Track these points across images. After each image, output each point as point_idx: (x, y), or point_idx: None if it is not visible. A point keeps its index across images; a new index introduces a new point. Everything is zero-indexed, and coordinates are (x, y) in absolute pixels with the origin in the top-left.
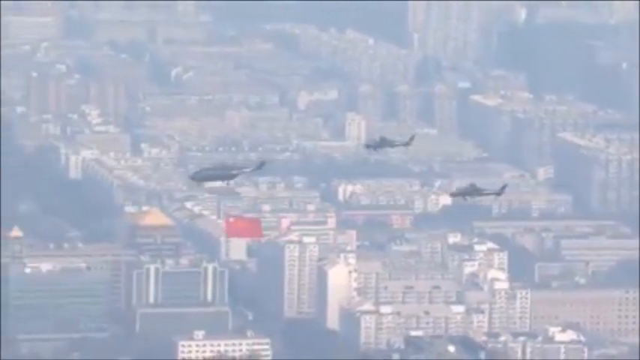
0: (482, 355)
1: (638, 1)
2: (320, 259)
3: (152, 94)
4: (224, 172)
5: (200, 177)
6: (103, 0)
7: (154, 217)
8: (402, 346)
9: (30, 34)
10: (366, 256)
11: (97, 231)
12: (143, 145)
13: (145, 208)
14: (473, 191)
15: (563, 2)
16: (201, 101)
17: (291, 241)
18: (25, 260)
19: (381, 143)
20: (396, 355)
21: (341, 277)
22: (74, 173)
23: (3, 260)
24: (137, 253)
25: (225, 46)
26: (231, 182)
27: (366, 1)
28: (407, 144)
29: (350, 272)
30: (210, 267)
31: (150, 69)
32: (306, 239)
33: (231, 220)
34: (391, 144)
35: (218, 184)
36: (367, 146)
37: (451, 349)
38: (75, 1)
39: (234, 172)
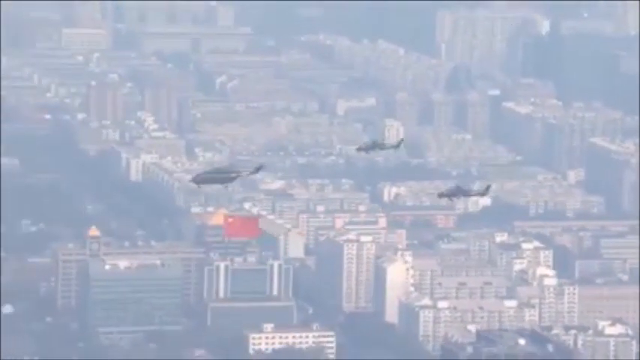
0: (551, 348)
1: None
2: (378, 257)
3: (200, 102)
4: (222, 176)
5: (200, 180)
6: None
7: (221, 217)
8: (474, 340)
9: (82, 45)
10: (418, 254)
11: (163, 230)
12: (197, 150)
13: (209, 209)
14: (459, 192)
15: (585, 14)
16: (247, 108)
17: (349, 240)
18: (104, 258)
19: (372, 146)
20: (469, 349)
21: (399, 274)
22: (135, 176)
23: (83, 257)
24: (206, 250)
25: (264, 56)
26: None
27: (396, 14)
28: (396, 147)
29: (407, 269)
30: (275, 264)
31: (195, 78)
32: (363, 238)
33: (230, 220)
34: (382, 147)
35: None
36: (359, 149)
37: (522, 341)
38: (122, 15)
39: (233, 175)
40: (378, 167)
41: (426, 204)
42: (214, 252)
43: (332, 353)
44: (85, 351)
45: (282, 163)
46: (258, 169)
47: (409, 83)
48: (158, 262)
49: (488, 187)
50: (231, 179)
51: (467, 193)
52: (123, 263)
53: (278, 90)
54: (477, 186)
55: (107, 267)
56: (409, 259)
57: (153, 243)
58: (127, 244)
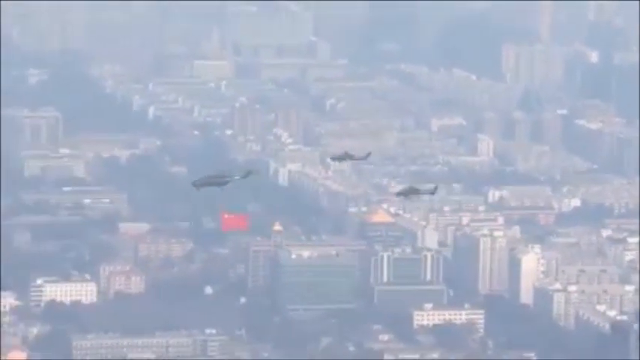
0: None
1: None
2: (512, 249)
3: (319, 120)
4: (218, 180)
5: (200, 183)
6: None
7: (380, 216)
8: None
9: (211, 74)
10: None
11: (325, 226)
12: (328, 160)
13: (363, 209)
14: (413, 191)
15: (634, 48)
16: (360, 125)
17: (484, 235)
18: (289, 249)
19: (344, 157)
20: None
21: (532, 263)
22: (282, 182)
23: (269, 248)
24: (368, 243)
25: (359, 82)
26: None
27: (466, 47)
28: (364, 158)
29: (538, 259)
30: (429, 254)
31: (308, 101)
32: (495, 233)
33: (226, 216)
34: (352, 158)
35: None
36: (332, 159)
37: None
38: (239, 49)
39: (227, 179)
40: (478, 174)
41: (527, 204)
42: (376, 244)
43: (482, 328)
44: (278, 324)
45: (397, 171)
46: (247, 174)
47: (486, 104)
48: (333, 252)
49: (436, 187)
50: (225, 182)
51: (419, 192)
52: (305, 253)
53: (378, 110)
54: (566, 189)
55: (293, 256)
56: (538, 250)
57: (324, 237)
58: (303, 238)
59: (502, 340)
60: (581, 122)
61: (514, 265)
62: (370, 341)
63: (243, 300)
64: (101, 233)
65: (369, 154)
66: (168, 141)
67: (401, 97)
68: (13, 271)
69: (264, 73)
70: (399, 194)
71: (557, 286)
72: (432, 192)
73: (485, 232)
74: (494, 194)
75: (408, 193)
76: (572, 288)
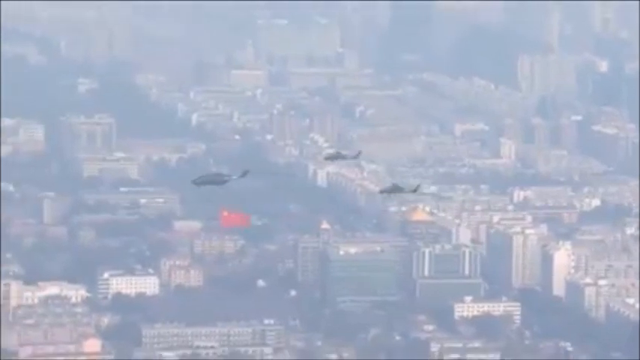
0: None
1: None
2: (544, 245)
3: (350, 126)
4: (217, 179)
5: (200, 182)
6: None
7: (419, 214)
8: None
9: (247, 82)
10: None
11: (359, 225)
12: (363, 163)
13: (403, 208)
14: (396, 189)
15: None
16: (389, 130)
17: (516, 232)
18: (337, 245)
19: (336, 156)
20: None
21: (563, 258)
22: (321, 183)
23: (317, 245)
24: (409, 239)
25: (385, 90)
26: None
27: (484, 57)
28: (355, 157)
29: (569, 255)
30: (467, 250)
31: (338, 108)
32: (527, 231)
33: (226, 214)
34: (344, 157)
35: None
36: (326, 158)
37: None
38: (271, 59)
39: (225, 178)
40: (502, 176)
41: (550, 204)
42: (417, 241)
43: (518, 319)
44: (329, 315)
45: (427, 172)
46: (244, 174)
47: (505, 111)
48: (378, 248)
49: (418, 186)
50: (224, 181)
51: (401, 190)
52: (352, 249)
53: (404, 116)
54: (586, 190)
55: (341, 252)
56: (569, 246)
57: (367, 234)
58: (348, 235)
59: (538, 330)
60: (597, 127)
61: (546, 261)
62: (415, 331)
63: (293, 293)
64: (158, 231)
65: (359, 153)
66: (212, 145)
67: (424, 104)
68: (81, 265)
69: (296, 82)
70: (382, 192)
71: (588, 280)
72: (414, 190)
73: (518, 229)
74: (519, 194)
75: (392, 190)
76: (602, 282)
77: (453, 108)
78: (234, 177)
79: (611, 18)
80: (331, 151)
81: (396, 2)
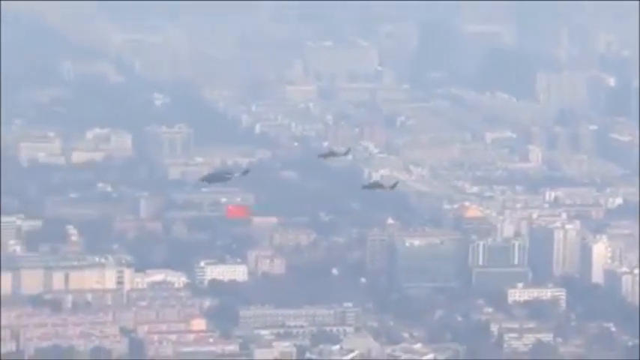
0: None
1: None
2: (583, 238)
3: (393, 134)
4: (222, 176)
5: (208, 179)
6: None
7: (473, 211)
8: None
9: (300, 96)
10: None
11: (416, 221)
12: (410, 167)
13: (455, 206)
14: (376, 185)
15: None
16: (429, 138)
17: (556, 227)
18: (403, 238)
19: (330, 154)
20: None
21: (602, 249)
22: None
23: (383, 237)
24: (464, 233)
25: (419, 103)
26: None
27: (505, 73)
28: (346, 154)
29: (606, 247)
30: (516, 243)
31: (381, 118)
32: (567, 226)
33: (230, 207)
34: (336, 154)
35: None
36: (320, 156)
37: None
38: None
39: (228, 176)
40: (533, 178)
41: (579, 202)
42: (471, 234)
43: (564, 303)
44: (397, 299)
45: (466, 175)
46: (246, 172)
47: (528, 121)
48: (438, 241)
49: (396, 183)
50: (228, 179)
51: (382, 187)
52: (416, 242)
53: (439, 126)
54: (609, 190)
55: (407, 244)
56: (605, 240)
57: (426, 229)
58: (410, 229)
59: (582, 313)
60: (614, 135)
61: (585, 252)
62: (475, 313)
63: (363, 280)
64: (239, 226)
65: (348, 150)
66: (276, 151)
67: (455, 116)
68: (178, 255)
69: (341, 96)
70: (364, 187)
71: (624, 269)
72: (392, 186)
73: (558, 224)
74: (550, 194)
75: (374, 186)
76: (636, 271)
77: (481, 118)
78: (237, 175)
79: (613, 40)
80: (382, 155)
81: (424, 26)
